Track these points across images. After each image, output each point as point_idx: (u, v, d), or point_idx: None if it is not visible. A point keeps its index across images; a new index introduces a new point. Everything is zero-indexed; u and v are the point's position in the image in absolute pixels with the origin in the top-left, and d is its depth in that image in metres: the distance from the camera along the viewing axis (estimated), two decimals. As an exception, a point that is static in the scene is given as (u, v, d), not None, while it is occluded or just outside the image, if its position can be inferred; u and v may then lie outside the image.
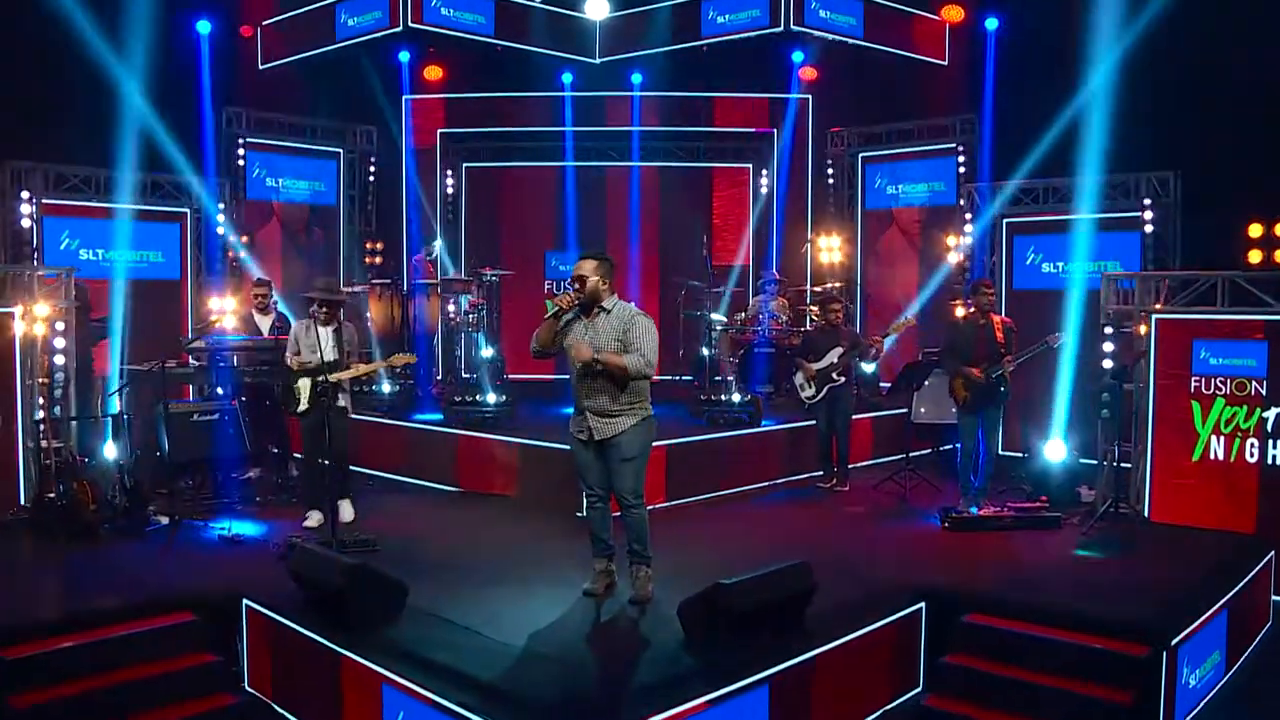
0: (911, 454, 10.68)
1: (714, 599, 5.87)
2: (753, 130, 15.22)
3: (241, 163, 13.71)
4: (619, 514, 6.93)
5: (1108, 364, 9.66)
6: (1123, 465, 9.46)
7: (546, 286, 15.38)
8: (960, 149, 13.73)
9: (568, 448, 8.54)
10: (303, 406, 8.56)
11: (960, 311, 11.57)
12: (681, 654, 5.94)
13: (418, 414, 11.57)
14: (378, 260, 14.92)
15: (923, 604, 7.11)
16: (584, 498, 7.25)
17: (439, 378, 13.58)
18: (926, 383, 11.00)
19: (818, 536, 8.98)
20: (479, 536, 8.90)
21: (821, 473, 10.83)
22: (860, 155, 14.90)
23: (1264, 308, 8.96)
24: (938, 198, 14.14)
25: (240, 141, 13.74)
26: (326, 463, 8.52)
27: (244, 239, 13.18)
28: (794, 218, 15.16)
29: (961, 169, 13.71)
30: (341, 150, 14.99)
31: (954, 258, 13.46)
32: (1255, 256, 10.59)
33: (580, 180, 15.18)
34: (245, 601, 6.86)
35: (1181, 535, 8.76)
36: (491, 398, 10.91)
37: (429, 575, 7.33)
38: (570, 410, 6.97)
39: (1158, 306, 9.56)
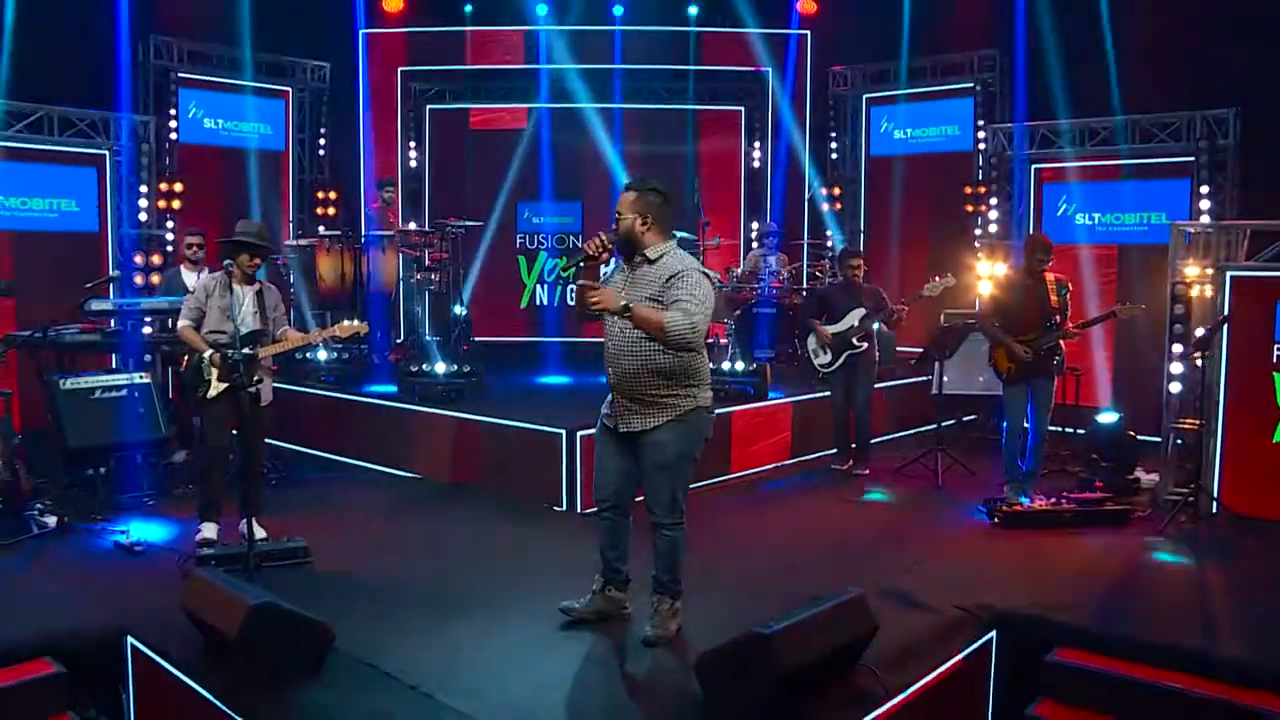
0: (941, 430, 9.04)
1: (749, 655, 4.20)
2: (746, 69, 13.41)
3: (174, 100, 11.75)
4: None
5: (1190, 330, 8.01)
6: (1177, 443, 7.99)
7: (518, 241, 13.60)
8: (978, 89, 11.97)
9: (542, 428, 6.83)
10: (214, 390, 6.55)
11: (1002, 270, 9.90)
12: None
13: (370, 386, 9.78)
14: (330, 211, 13.08)
15: (993, 633, 5.50)
16: (596, 504, 5.39)
17: (398, 341, 11.84)
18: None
19: (841, 535, 7.35)
20: (438, 541, 7.18)
21: (835, 450, 9.19)
22: (865, 97, 13.13)
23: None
24: (952, 143, 12.41)
25: (173, 76, 11.78)
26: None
27: (175, 187, 11.25)
28: (791, 165, 13.39)
29: (980, 110, 11.97)
30: (290, 89, 13.06)
31: (973, 209, 11.77)
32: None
33: (555, 123, 13.35)
34: (130, 641, 5.11)
35: (1274, 533, 7.16)
36: (453, 367, 9.15)
37: (369, 600, 5.70)
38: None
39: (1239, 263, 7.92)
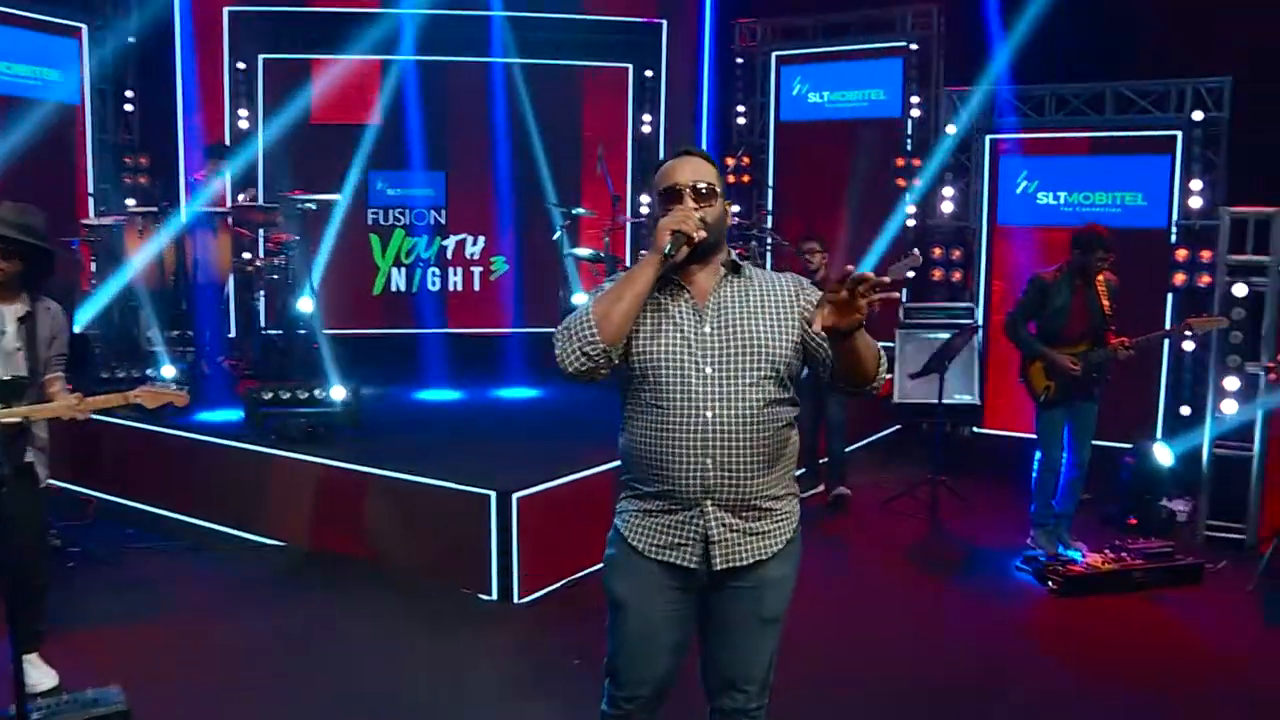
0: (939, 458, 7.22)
1: None
2: (637, 20, 11.25)
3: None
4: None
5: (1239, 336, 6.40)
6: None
7: (370, 216, 11.09)
8: (913, 47, 10.13)
9: (462, 488, 4.77)
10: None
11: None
12: None
13: (203, 413, 7.21)
14: (142, 181, 10.23)
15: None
16: (606, 697, 3.11)
17: (233, 342, 9.27)
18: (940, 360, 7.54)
19: (847, 610, 5.54)
20: (324, 660, 4.85)
21: (803, 470, 7.20)
22: (775, 55, 11.11)
23: None
24: (878, 108, 10.53)
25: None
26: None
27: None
28: (688, 133, 11.32)
29: (914, 73, 10.14)
30: (86, 26, 10.09)
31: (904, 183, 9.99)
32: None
33: (418, 79, 10.87)
34: None
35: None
36: (320, 393, 6.69)
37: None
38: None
39: None
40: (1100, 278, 5.99)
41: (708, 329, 2.88)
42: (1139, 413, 8.16)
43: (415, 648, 4.97)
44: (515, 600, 5.45)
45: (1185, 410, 7.97)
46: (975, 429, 9.04)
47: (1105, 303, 5.98)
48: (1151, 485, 6.88)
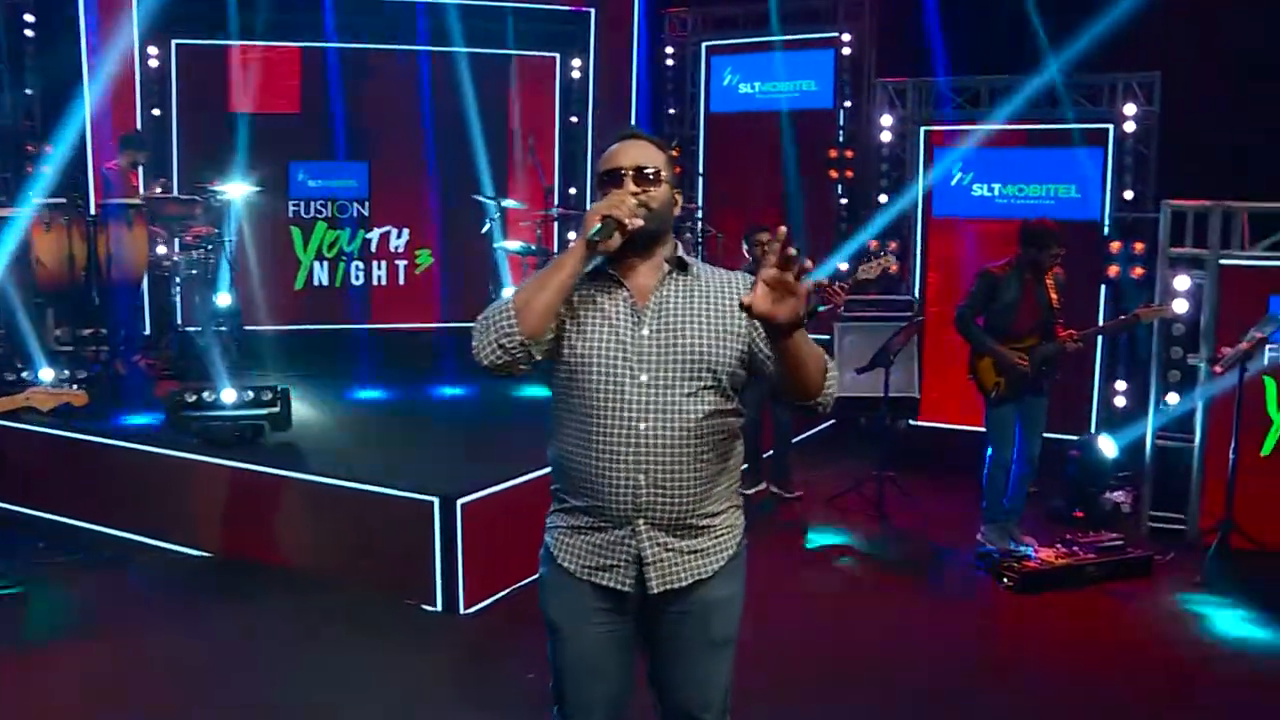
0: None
1: None
2: (564, 8, 11.00)
3: None
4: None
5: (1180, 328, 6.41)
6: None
7: (291, 209, 10.68)
8: (846, 37, 10.03)
9: (403, 494, 4.55)
10: None
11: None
12: None
13: (122, 417, 6.80)
14: (46, 170, 9.66)
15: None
16: None
17: (148, 339, 8.81)
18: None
19: (803, 615, 5.41)
20: (247, 687, 4.54)
21: (744, 466, 7.05)
22: (705, 45, 10.95)
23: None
24: (810, 100, 10.42)
25: None
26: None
27: None
28: (616, 124, 11.09)
29: (847, 64, 10.05)
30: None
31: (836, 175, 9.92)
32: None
33: (341, 67, 10.48)
34: None
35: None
36: (246, 395, 6.32)
37: None
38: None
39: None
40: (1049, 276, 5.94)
41: (645, 332, 2.58)
42: (1075, 405, 8.19)
43: (356, 663, 4.69)
44: (461, 610, 5.19)
45: (1120, 401, 7.99)
46: (911, 422, 9.00)
47: (1054, 296, 5.92)
48: (1095, 478, 6.87)
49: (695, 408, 2.57)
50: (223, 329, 8.81)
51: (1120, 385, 8.02)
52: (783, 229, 2.28)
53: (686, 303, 2.63)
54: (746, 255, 7.05)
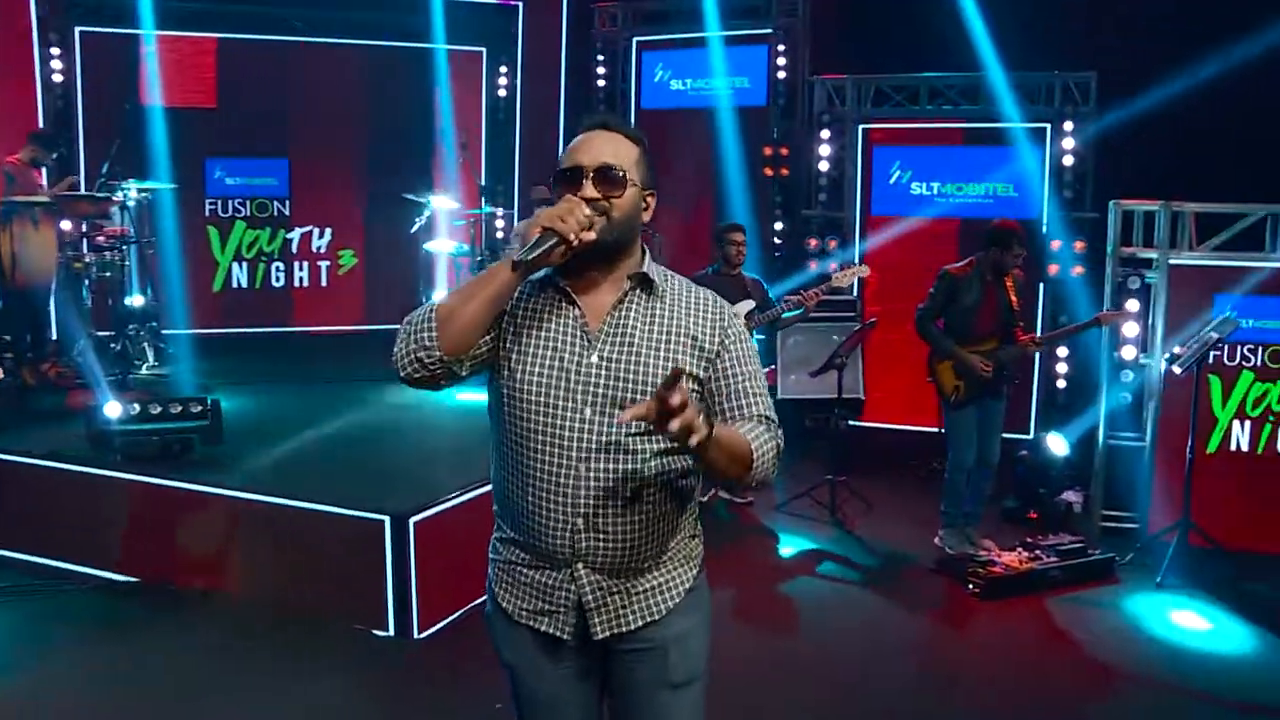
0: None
1: None
2: (491, 2, 10.68)
3: None
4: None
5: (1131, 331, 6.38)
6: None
7: (208, 207, 10.20)
8: (781, 33, 9.87)
9: (352, 513, 4.27)
10: None
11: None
12: None
13: (30, 428, 6.29)
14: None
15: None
16: None
17: (55, 347, 8.28)
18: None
19: (771, 625, 5.28)
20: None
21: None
22: (636, 40, 10.70)
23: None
24: (743, 96, 10.25)
25: None
26: None
27: None
28: (545, 120, 10.83)
29: (781, 60, 9.89)
30: None
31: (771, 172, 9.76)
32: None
33: (259, 60, 10.03)
34: None
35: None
36: (174, 408, 5.89)
37: None
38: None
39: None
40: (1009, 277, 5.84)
41: (595, 359, 2.26)
42: (1016, 403, 8.17)
43: (302, 694, 4.36)
44: (415, 635, 4.89)
45: (1063, 400, 7.99)
46: (852, 422, 8.89)
47: (1013, 299, 5.83)
48: (1045, 478, 6.82)
49: (645, 448, 2.26)
50: (137, 333, 8.33)
51: (1061, 384, 8.02)
52: (676, 370, 1.93)
53: (645, 328, 2.30)
54: (717, 255, 6.84)
